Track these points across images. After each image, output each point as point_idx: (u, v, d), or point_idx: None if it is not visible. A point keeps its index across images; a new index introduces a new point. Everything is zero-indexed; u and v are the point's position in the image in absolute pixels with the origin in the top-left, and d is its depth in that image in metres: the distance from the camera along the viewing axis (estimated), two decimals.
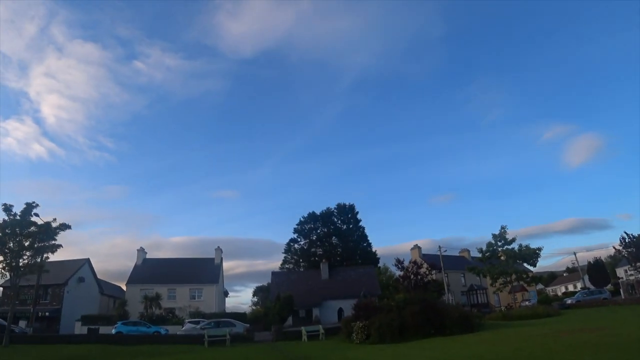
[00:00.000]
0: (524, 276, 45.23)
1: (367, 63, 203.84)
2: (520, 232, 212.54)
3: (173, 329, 44.99)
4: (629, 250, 41.17)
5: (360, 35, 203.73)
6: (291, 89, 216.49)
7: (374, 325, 28.58)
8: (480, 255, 46.20)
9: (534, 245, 47.44)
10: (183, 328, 42.89)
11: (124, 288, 66.60)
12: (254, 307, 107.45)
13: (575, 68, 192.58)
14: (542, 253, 43.04)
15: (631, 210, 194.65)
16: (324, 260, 70.03)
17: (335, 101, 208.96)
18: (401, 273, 35.87)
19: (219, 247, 73.39)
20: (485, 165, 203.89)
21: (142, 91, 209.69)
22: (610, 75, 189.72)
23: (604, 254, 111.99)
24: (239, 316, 55.40)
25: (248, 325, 40.39)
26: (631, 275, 67.61)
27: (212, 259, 72.50)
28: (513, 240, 44.15)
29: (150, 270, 66.25)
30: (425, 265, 38.47)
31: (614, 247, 43.22)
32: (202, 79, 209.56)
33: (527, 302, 62.73)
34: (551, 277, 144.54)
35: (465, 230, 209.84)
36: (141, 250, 69.87)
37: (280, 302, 53.93)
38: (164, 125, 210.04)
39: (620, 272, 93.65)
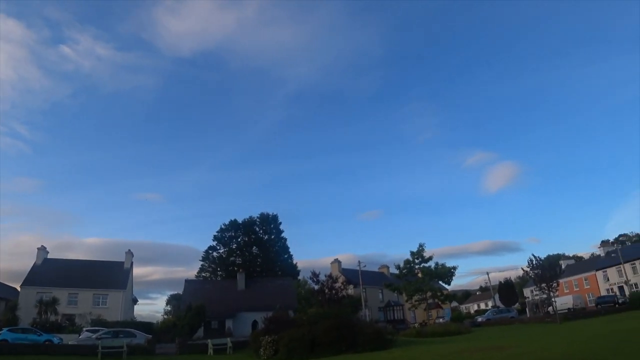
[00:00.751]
0: (439, 294, 45.83)
1: (306, 76, 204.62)
2: (440, 251, 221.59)
3: (69, 338, 40.98)
4: (535, 272, 42.78)
5: (303, 48, 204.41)
6: (228, 95, 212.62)
7: (284, 340, 27.20)
8: (397, 272, 46.37)
9: (451, 264, 48.43)
10: (79, 337, 39.14)
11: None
12: (165, 317, 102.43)
13: (500, 101, 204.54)
14: (457, 272, 43.91)
15: (539, 235, 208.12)
16: (240, 270, 67.84)
17: (271, 111, 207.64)
18: (317, 287, 34.80)
19: (129, 250, 68.83)
20: (412, 185, 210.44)
21: (66, 79, 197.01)
22: (528, 110, 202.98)
23: (513, 274, 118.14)
24: (146, 326, 51.89)
25: (150, 336, 37.54)
26: (536, 295, 71.16)
27: (122, 263, 67.79)
28: (430, 258, 44.66)
29: (50, 272, 60.49)
30: (341, 280, 37.81)
31: (522, 269, 44.96)
32: (133, 73, 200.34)
33: (441, 319, 64.01)
34: (465, 296, 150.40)
35: (388, 247, 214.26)
36: (42, 249, 63.63)
37: (192, 312, 51.31)
38: (87, 118, 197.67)
39: (527, 292, 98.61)
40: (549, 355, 15.44)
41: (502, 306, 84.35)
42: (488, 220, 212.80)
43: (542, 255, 48.37)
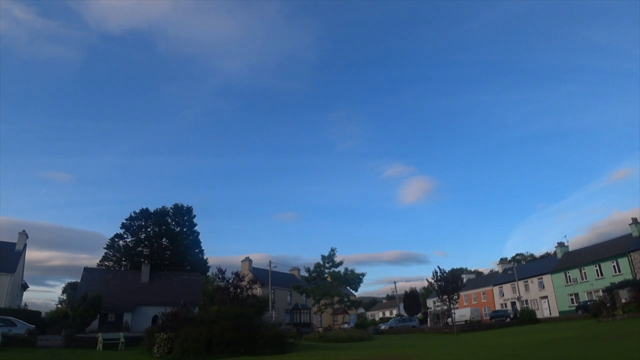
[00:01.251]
0: (346, 299, 46.23)
1: (236, 71, 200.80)
2: (352, 258, 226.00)
3: None
4: (439, 283, 44.44)
5: (236, 42, 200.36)
6: (155, 79, 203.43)
7: (179, 338, 25.92)
8: (307, 275, 46.24)
9: (361, 270, 49.12)
10: None
11: None
12: (58, 306, 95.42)
13: (422, 119, 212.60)
14: (366, 279, 44.81)
15: (446, 249, 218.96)
16: (145, 262, 64.67)
17: (198, 102, 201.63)
18: (222, 284, 33.63)
19: (24, 231, 63.09)
20: (330, 190, 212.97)
21: None
22: (447, 130, 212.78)
23: (419, 285, 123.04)
24: (32, 315, 47.68)
25: (33, 326, 34.47)
26: (438, 306, 74.27)
27: (13, 244, 62.02)
28: (340, 263, 45.02)
29: None
30: (248, 278, 36.98)
31: (427, 280, 46.62)
32: (55, 43, 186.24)
33: (346, 325, 64.78)
34: (372, 303, 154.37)
35: (303, 250, 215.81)
36: None
37: (86, 302, 48.00)
38: None
39: (430, 302, 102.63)
40: None
41: (405, 315, 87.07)
42: (400, 231, 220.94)
43: (447, 268, 50.60)
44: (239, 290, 31.42)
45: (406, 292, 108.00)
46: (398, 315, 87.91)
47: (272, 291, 66.57)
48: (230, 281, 32.77)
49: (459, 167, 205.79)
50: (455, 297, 44.31)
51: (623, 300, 37.97)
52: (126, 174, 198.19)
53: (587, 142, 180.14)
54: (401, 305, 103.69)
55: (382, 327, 61.24)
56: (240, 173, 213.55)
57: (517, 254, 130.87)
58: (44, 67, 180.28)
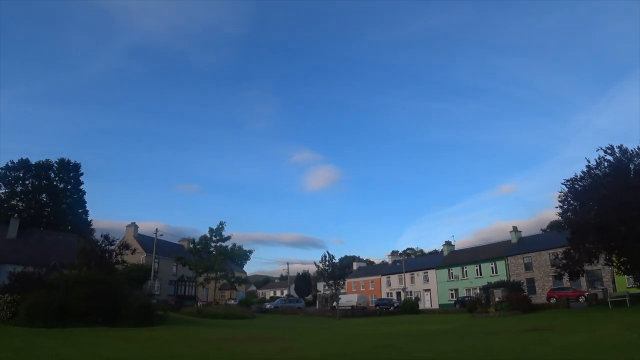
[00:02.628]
0: (230, 275, 44.26)
1: (154, 31, 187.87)
2: (252, 236, 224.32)
3: None
4: (327, 268, 43.93)
5: (159, 1, 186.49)
6: (61, 24, 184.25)
7: (26, 302, 22.57)
8: (192, 246, 43.62)
9: (262, 250, 47.55)
10: None
11: None
12: None
13: (336, 110, 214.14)
14: (264, 258, 43.34)
15: (344, 236, 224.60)
16: (15, 215, 58.02)
17: (107, 57, 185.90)
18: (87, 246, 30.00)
19: None
20: (236, 167, 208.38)
21: None
22: (359, 126, 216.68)
23: (313, 269, 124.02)
24: None
25: None
26: (327, 290, 74.83)
27: None
28: (228, 238, 42.89)
29: None
30: (132, 246, 33.85)
31: (314, 263, 45.98)
32: None
33: (232, 301, 62.97)
34: (265, 281, 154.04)
35: (202, 224, 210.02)
36: None
37: None
38: None
39: (320, 286, 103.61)
40: (310, 353, 14.51)
41: (295, 296, 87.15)
42: (301, 215, 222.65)
43: (342, 255, 50.63)
44: (107, 254, 28.27)
45: (298, 274, 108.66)
46: (288, 295, 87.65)
47: (157, 260, 62.95)
48: (99, 243, 29.45)
49: (365, 163, 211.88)
50: (342, 282, 44.11)
51: (497, 299, 39.85)
52: (16, 121, 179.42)
53: (483, 156, 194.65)
54: (292, 287, 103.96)
55: (268, 306, 60.31)
56: (144, 138, 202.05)
57: (408, 248, 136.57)
58: None
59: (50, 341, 16.70)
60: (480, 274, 65.40)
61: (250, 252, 43.81)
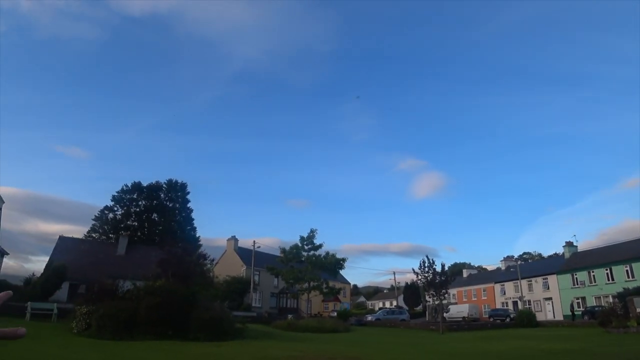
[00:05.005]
0: (324, 286, 41.71)
1: (252, 57, 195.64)
2: (361, 247, 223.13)
3: None
4: (426, 275, 39.59)
5: (253, 29, 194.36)
6: (171, 62, 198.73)
7: (97, 313, 21.71)
8: (282, 255, 41.79)
9: (372, 261, 44.66)
10: None
11: None
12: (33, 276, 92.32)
13: (438, 114, 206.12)
14: (375, 269, 40.60)
15: (456, 244, 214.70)
16: (123, 233, 60.87)
17: (213, 86, 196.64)
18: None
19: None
20: (342, 180, 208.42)
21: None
22: (460, 126, 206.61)
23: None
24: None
25: None
26: (436, 300, 69.71)
27: None
28: (320, 246, 40.49)
29: None
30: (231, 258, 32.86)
31: (412, 270, 41.72)
32: (77, 22, 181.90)
33: (334, 313, 60.60)
34: (375, 292, 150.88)
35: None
36: None
37: (50, 271, 44.56)
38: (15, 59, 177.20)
39: (429, 296, 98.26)
40: None
41: (403, 307, 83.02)
42: (410, 224, 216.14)
43: (450, 263, 45.83)
44: (185, 265, 27.07)
45: (407, 283, 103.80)
46: (397, 306, 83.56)
47: (258, 273, 62.61)
48: (177, 254, 28.43)
49: (470, 165, 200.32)
50: (444, 291, 39.53)
51: (638, 310, 32.73)
52: (140, 151, 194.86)
53: (600, 148, 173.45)
54: (401, 297, 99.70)
55: (369, 318, 57.01)
56: (249, 158, 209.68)
57: (524, 253, 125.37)
58: (64, 43, 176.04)
59: (92, 354, 15.10)
60: (612, 279, 56.39)
61: (344, 260, 41.06)
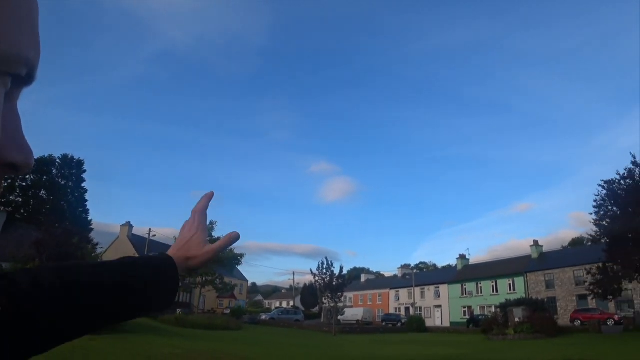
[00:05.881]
0: (217, 280, 39.83)
1: (181, 40, 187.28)
2: (266, 246, 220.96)
3: None
4: (323, 277, 39.27)
5: (187, 9, 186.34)
6: (89, 28, 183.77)
7: None
8: None
9: (275, 260, 43.00)
10: None
11: None
12: None
13: (357, 123, 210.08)
14: (278, 268, 38.83)
15: (357, 249, 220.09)
16: (2, 209, 54.60)
17: (132, 63, 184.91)
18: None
19: None
20: (254, 175, 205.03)
21: None
22: (377, 138, 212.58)
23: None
24: None
25: None
26: (332, 302, 70.07)
27: None
28: (218, 239, 38.48)
29: None
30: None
31: (310, 271, 41.42)
32: None
33: (228, 310, 58.67)
34: (274, 291, 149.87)
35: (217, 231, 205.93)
36: None
37: None
38: None
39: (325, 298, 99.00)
40: None
41: (301, 307, 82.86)
42: (316, 226, 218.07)
43: (350, 267, 45.90)
44: (64, 248, 24.28)
45: (305, 285, 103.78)
46: (293, 307, 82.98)
47: None
48: (56, 235, 25.49)
49: (382, 176, 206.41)
50: (340, 294, 39.40)
51: (516, 319, 34.69)
52: (35, 123, 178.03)
53: (499, 174, 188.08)
54: (298, 298, 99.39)
55: (263, 317, 55.90)
56: (164, 144, 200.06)
57: (420, 263, 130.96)
58: None
59: None
60: (497, 291, 59.99)
61: (242, 256, 39.60)
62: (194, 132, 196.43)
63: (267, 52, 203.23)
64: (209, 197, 1.10)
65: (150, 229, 55.64)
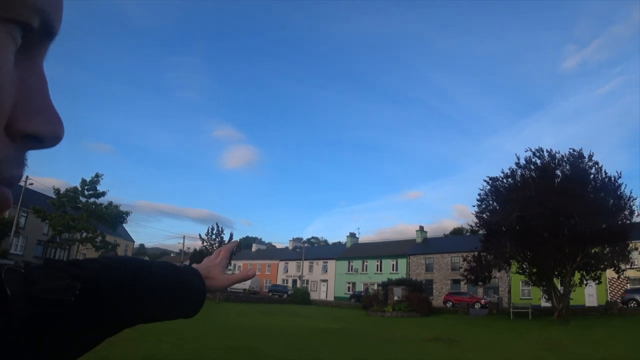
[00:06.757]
0: (97, 239, 37.23)
1: None
2: (159, 207, 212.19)
3: None
4: (212, 242, 38.54)
5: None
6: None
7: None
8: (55, 198, 36.03)
9: (167, 223, 40.57)
10: None
11: None
12: None
13: (268, 92, 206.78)
14: (170, 231, 36.48)
15: (253, 219, 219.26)
16: None
17: None
18: None
19: None
20: (154, 133, 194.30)
21: None
22: (286, 111, 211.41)
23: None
24: None
25: None
26: None
27: None
28: (103, 194, 35.85)
29: None
30: None
31: (199, 236, 40.37)
32: None
33: None
34: (162, 254, 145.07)
35: (114, 187, 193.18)
36: None
37: None
38: None
39: None
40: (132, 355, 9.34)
41: None
42: (214, 192, 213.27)
43: (243, 236, 45.31)
44: None
45: (195, 249, 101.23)
46: None
47: (25, 215, 53.98)
48: None
49: (286, 150, 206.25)
50: (228, 262, 38.83)
51: (395, 298, 36.49)
52: None
53: (397, 160, 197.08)
54: (187, 263, 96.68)
55: None
56: (57, 87, 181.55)
57: (312, 237, 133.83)
58: None
59: None
60: (381, 270, 63.01)
61: (127, 213, 37.18)
62: (91, 77, 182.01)
63: (187, 4, 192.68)
64: (235, 243, 1.36)
65: (27, 176, 50.56)
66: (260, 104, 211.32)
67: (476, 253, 30.95)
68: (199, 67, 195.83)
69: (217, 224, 39.56)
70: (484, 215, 30.61)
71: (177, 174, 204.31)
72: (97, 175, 35.49)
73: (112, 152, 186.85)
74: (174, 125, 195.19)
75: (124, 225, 47.97)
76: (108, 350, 9.29)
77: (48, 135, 0.43)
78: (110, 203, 36.48)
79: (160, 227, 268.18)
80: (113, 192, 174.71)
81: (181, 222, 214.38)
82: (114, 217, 35.78)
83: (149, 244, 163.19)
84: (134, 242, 79.38)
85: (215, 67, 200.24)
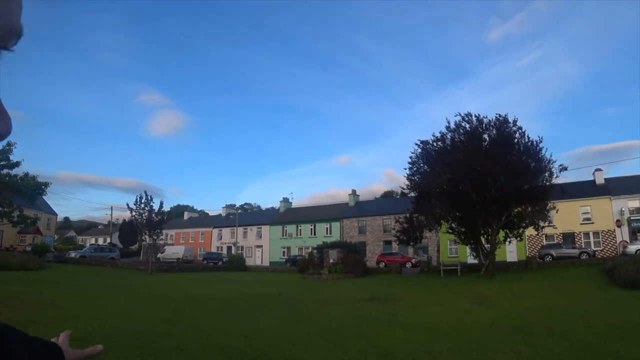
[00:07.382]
0: (15, 213, 34.62)
1: None
2: (82, 177, 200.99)
3: None
4: (141, 212, 37.13)
5: None
6: None
7: None
8: None
9: (92, 194, 37.92)
10: None
11: None
12: None
13: (193, 55, 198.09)
14: (95, 202, 34.09)
15: (184, 187, 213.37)
16: None
17: None
18: None
19: None
20: (73, 98, 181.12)
21: None
22: (219, 79, 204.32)
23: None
24: None
25: None
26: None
27: None
28: (17, 164, 33.10)
29: None
30: None
31: (127, 205, 38.61)
32: None
33: (29, 248, 52.06)
34: (89, 227, 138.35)
35: (29, 158, 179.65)
36: None
37: None
38: None
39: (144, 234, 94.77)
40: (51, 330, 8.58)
41: (119, 245, 78.21)
42: (141, 160, 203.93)
43: (174, 204, 43.66)
44: None
45: (124, 220, 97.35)
46: (110, 244, 77.44)
47: None
48: None
49: (215, 115, 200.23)
50: (158, 231, 37.73)
51: (331, 261, 37.09)
52: None
53: (327, 126, 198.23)
54: (117, 235, 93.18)
55: (72, 254, 51.19)
56: None
57: (245, 203, 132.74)
58: None
59: None
60: (315, 234, 63.80)
61: (46, 185, 34.58)
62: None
63: None
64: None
65: None
66: (188, 69, 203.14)
67: (408, 214, 31.90)
68: (119, 28, 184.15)
69: (145, 192, 37.93)
70: (415, 178, 31.39)
71: (101, 142, 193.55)
72: (9, 144, 32.52)
73: (25, 120, 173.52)
74: (95, 90, 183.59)
75: (44, 197, 44.92)
76: (32, 331, 8.60)
77: (3, 132, 0.42)
78: (27, 174, 33.80)
79: (85, 198, 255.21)
80: (29, 163, 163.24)
81: (108, 192, 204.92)
82: (32, 189, 33.23)
83: (74, 216, 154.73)
84: (57, 215, 74.79)
85: (136, 28, 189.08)
